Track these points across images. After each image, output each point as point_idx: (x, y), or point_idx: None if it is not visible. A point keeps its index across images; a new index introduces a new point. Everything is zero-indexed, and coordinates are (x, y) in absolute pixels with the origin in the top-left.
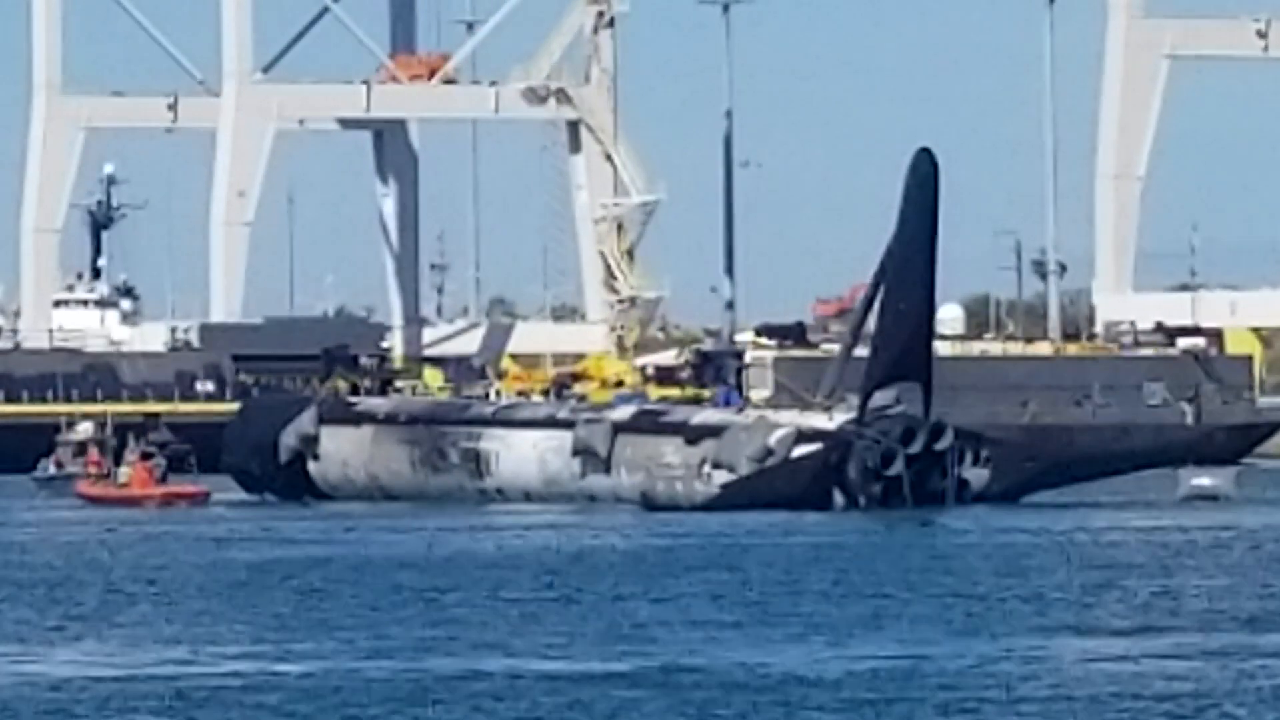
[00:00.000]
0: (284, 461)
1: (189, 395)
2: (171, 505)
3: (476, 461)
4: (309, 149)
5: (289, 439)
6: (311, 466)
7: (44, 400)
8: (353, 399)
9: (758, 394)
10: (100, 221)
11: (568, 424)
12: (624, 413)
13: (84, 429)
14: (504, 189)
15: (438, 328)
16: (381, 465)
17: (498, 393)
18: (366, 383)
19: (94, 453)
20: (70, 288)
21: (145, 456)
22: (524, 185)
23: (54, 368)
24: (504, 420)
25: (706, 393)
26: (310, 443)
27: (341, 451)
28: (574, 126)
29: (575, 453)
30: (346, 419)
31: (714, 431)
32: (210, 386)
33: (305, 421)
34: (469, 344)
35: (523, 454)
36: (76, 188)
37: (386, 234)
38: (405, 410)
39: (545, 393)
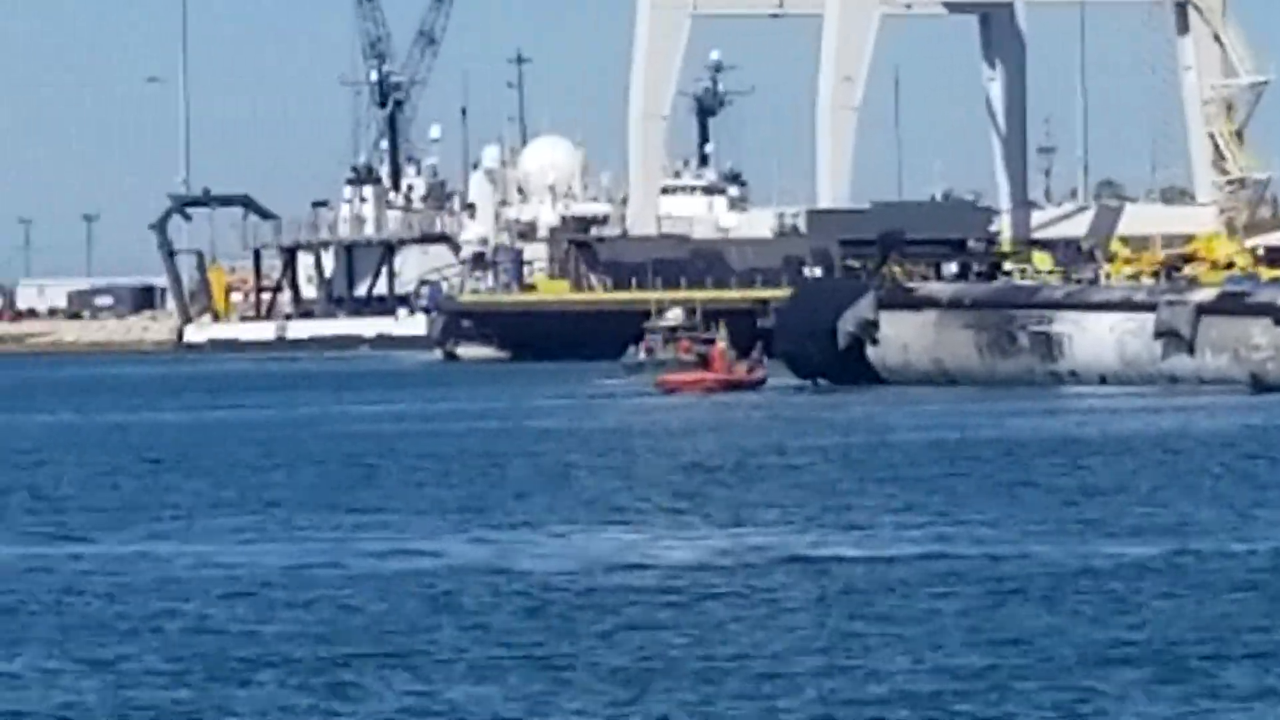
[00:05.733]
0: (842, 347)
1: (797, 281)
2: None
3: (1048, 344)
4: (915, 33)
5: (847, 324)
6: (870, 351)
7: (650, 287)
8: (911, 284)
9: None
10: (707, 108)
11: (1147, 306)
12: (1208, 294)
13: (674, 315)
14: (1111, 71)
15: (1046, 211)
16: (946, 350)
17: (1107, 275)
18: (975, 266)
19: (685, 340)
20: (677, 174)
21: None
22: (1131, 67)
23: (661, 254)
24: (1077, 303)
25: None
26: (869, 328)
27: (902, 336)
28: (1182, 8)
29: (1157, 335)
30: (907, 304)
31: None
32: (818, 272)
33: (864, 307)
34: (1077, 227)
35: (1099, 336)
36: (683, 74)
37: (994, 118)
38: (970, 295)
39: (1155, 275)
